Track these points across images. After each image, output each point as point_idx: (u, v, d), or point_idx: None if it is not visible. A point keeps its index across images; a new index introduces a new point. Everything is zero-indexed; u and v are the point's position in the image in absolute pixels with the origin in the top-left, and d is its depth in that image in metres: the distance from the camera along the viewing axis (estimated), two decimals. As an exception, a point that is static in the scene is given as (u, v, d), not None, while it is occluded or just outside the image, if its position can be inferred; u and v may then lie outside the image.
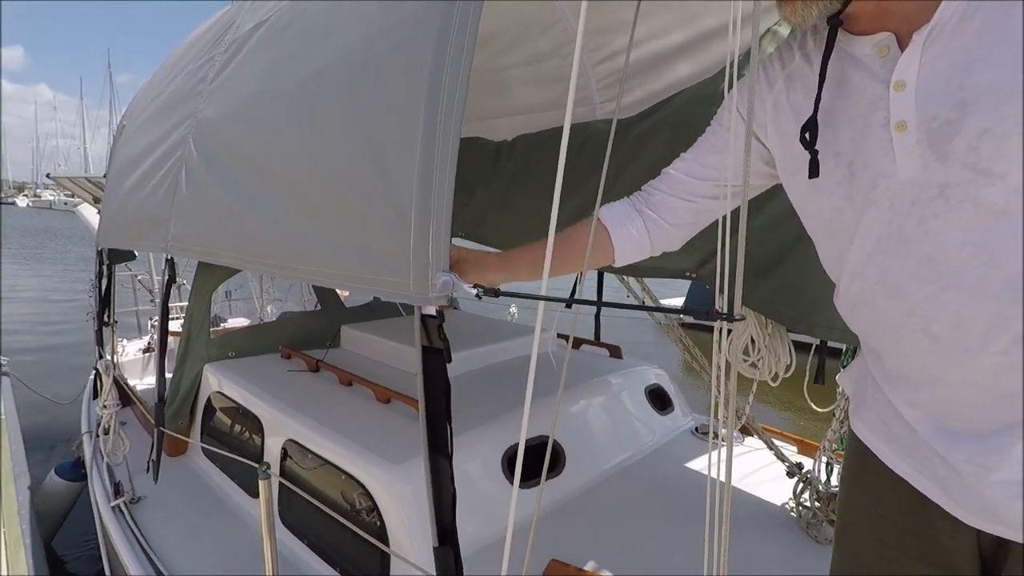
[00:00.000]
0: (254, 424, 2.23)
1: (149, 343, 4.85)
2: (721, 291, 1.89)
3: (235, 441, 2.35)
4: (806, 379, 1.71)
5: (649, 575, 1.58)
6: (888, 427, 0.83)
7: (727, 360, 1.69)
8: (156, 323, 5.27)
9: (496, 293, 0.74)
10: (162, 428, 2.06)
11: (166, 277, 2.01)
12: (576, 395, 2.24)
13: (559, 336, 2.93)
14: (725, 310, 0.64)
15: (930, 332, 0.70)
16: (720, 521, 0.69)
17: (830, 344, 1.70)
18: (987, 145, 0.61)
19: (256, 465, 1.36)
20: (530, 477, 1.83)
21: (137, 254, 4.16)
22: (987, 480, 0.69)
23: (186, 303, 2.97)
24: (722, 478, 0.68)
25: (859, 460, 0.91)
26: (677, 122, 1.82)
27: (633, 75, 2.47)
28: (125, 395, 3.28)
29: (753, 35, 0.68)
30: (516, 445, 1.92)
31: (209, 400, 2.59)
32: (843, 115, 0.75)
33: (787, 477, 1.92)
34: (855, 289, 0.79)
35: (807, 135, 0.73)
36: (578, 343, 2.91)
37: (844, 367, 1.62)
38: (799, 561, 1.64)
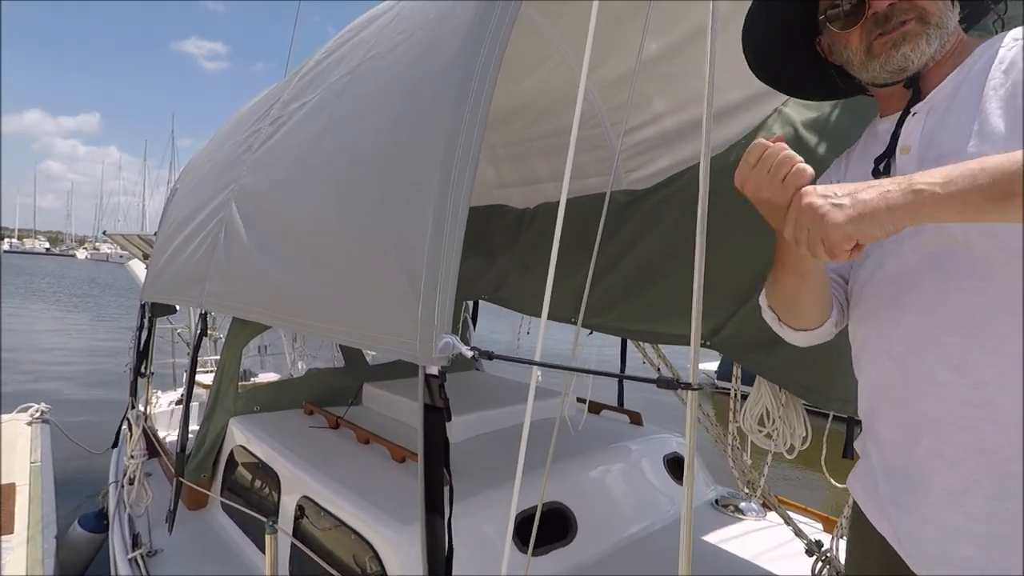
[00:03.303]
0: (272, 480, 2.26)
1: (182, 395, 4.99)
2: (737, 362, 1.88)
3: (254, 497, 2.38)
4: (823, 452, 1.67)
5: None
6: (872, 476, 0.89)
7: (740, 425, 1.68)
8: (189, 375, 5.44)
9: (489, 356, 0.79)
10: (181, 479, 2.11)
11: (198, 330, 2.11)
12: (593, 461, 2.21)
13: (579, 400, 2.92)
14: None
15: (892, 353, 0.80)
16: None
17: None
18: None
19: (264, 519, 1.39)
20: (541, 543, 1.80)
21: (178, 309, 4.37)
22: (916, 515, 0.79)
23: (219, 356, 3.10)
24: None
25: (856, 525, 0.95)
26: (689, 195, 1.89)
27: (654, 147, 2.58)
28: (152, 446, 3.36)
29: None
30: (528, 511, 1.90)
31: (232, 454, 2.64)
32: (864, 178, 0.88)
33: (807, 555, 1.83)
34: (852, 321, 0.93)
35: (880, 167, 0.87)
36: (599, 408, 2.89)
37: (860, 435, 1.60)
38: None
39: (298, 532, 2.00)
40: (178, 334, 5.88)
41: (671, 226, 1.91)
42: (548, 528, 1.88)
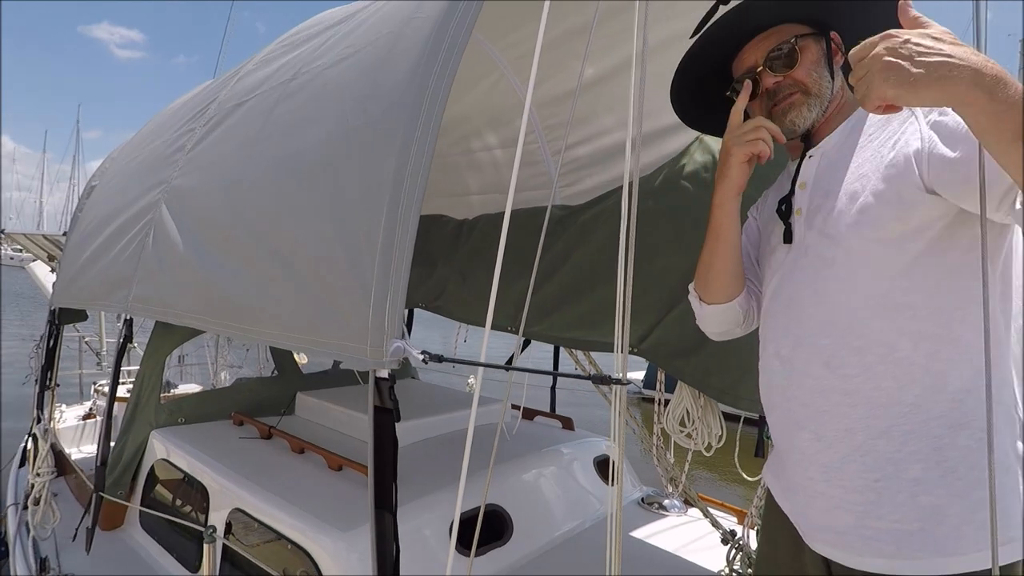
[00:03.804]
0: (200, 493, 2.18)
1: (91, 409, 4.66)
2: (660, 367, 2.04)
3: (178, 513, 2.28)
4: (736, 450, 1.83)
5: None
6: (777, 463, 1.03)
7: (663, 428, 1.81)
8: (100, 388, 5.08)
9: (440, 359, 0.84)
10: (103, 494, 2.00)
11: (122, 337, 2.02)
12: (527, 464, 2.29)
13: (514, 407, 3.00)
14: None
15: (790, 360, 0.95)
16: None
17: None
18: (831, 220, 0.92)
19: (201, 529, 1.37)
20: (479, 544, 1.85)
21: (89, 315, 4.08)
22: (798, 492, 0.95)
23: (135, 367, 2.93)
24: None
25: (768, 506, 1.09)
26: (619, 213, 2.01)
27: (588, 165, 2.72)
28: (59, 464, 3.13)
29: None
30: (467, 512, 1.95)
31: (153, 469, 2.52)
32: (774, 208, 1.07)
33: (723, 544, 1.99)
34: (759, 331, 1.07)
35: (782, 207, 1.03)
36: (532, 414, 2.97)
37: (769, 435, 1.76)
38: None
39: (229, 547, 1.94)
40: (86, 343, 5.48)
41: (603, 241, 2.04)
42: (486, 529, 1.93)
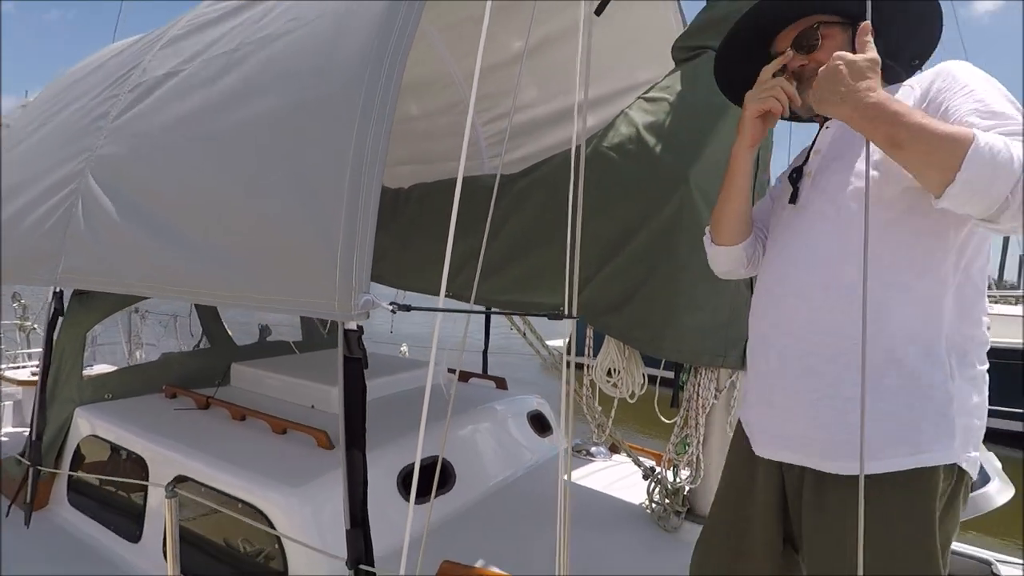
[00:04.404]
0: (137, 465, 2.16)
1: (-9, 395, 4.33)
2: (590, 324, 2.22)
3: (112, 487, 2.25)
4: (656, 396, 2.07)
5: (529, 574, 1.79)
6: (746, 384, 1.22)
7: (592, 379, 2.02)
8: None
9: (408, 308, 0.95)
10: (40, 467, 1.95)
11: (52, 310, 1.96)
12: (465, 420, 2.44)
13: (449, 371, 3.13)
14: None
15: (772, 292, 1.13)
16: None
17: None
18: (834, 180, 1.07)
19: (163, 487, 1.41)
20: (424, 494, 1.99)
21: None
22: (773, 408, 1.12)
23: (36, 349, 2.77)
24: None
25: (736, 437, 1.28)
26: (551, 182, 2.15)
27: (519, 135, 2.83)
28: None
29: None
30: (409, 466, 2.07)
31: (79, 447, 2.45)
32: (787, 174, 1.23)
33: (644, 481, 2.25)
34: (757, 277, 1.24)
35: (794, 174, 1.18)
36: (467, 376, 3.12)
37: (684, 383, 2.00)
38: (652, 545, 1.95)
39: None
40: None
41: (537, 207, 2.17)
42: (432, 479, 2.07)
